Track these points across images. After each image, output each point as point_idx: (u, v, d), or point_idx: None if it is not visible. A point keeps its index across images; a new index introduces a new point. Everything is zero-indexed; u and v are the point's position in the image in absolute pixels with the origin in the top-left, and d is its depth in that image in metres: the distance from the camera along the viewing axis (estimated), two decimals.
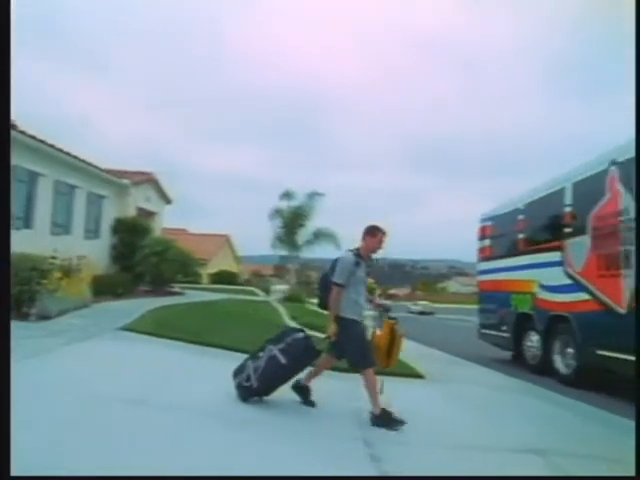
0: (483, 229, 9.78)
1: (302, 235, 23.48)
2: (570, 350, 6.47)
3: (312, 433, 3.28)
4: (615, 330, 5.53)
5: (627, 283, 5.33)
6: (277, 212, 23.57)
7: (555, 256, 6.87)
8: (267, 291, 23.74)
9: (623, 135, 5.60)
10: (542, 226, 7.64)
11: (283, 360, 3.51)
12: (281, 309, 13.66)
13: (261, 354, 3.64)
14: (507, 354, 8.70)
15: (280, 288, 21.55)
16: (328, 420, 3.60)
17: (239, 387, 3.64)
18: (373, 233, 3.74)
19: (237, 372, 3.71)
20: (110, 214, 13.91)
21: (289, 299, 18.58)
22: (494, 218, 9.37)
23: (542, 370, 7.06)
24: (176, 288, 15.09)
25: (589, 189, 6.26)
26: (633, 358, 5.17)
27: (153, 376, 4.32)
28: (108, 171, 13.51)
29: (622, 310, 5.39)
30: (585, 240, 6.19)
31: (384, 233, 3.77)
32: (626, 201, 5.47)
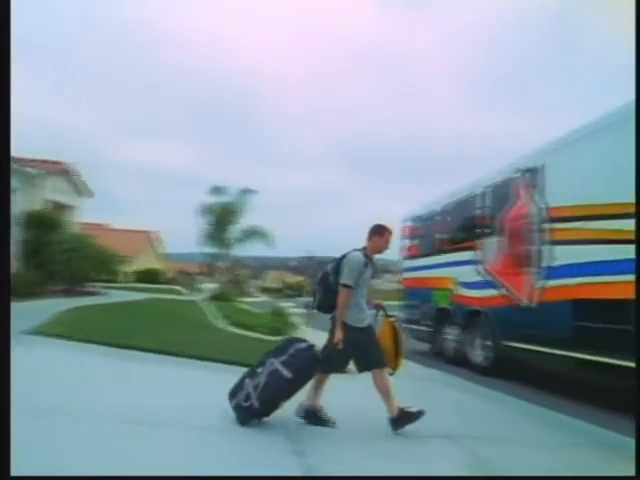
0: (405, 229, 10.26)
1: (232, 232, 22.98)
2: (484, 342, 7.01)
3: (233, 430, 3.23)
4: (522, 323, 6.09)
5: (532, 279, 5.88)
6: (206, 208, 22.81)
7: (471, 255, 7.39)
8: (194, 290, 22.96)
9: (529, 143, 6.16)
10: (459, 227, 8.18)
11: (288, 374, 3.17)
12: (209, 308, 13.29)
13: (260, 369, 3.27)
14: (428, 347, 9.20)
15: (208, 287, 20.96)
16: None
17: (238, 409, 3.23)
18: (381, 232, 3.58)
19: (233, 393, 3.31)
20: (15, 207, 12.58)
21: (218, 298, 18.12)
22: (415, 219, 9.87)
23: (459, 361, 7.57)
24: (94, 287, 14.07)
25: (500, 194, 6.81)
26: (537, 348, 5.73)
27: (65, 383, 3.97)
28: (13, 159, 12.21)
29: (528, 304, 5.95)
30: (497, 240, 6.73)
31: (391, 232, 3.62)
32: (531, 205, 6.03)
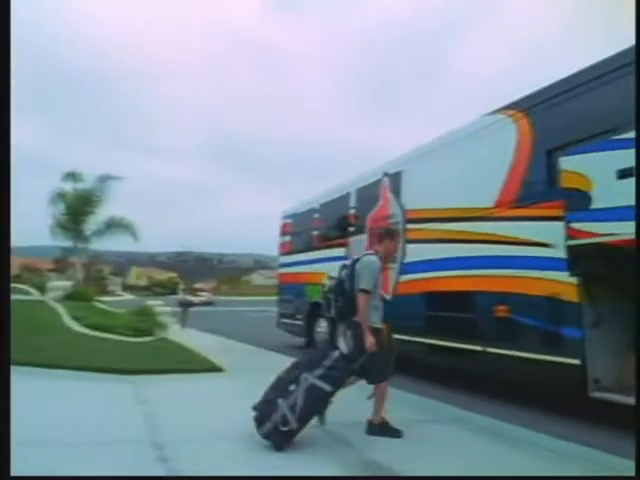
0: (284, 225, 10.45)
1: (91, 224, 20.53)
2: (350, 332, 7.50)
3: (99, 437, 2.94)
4: (384, 313, 6.67)
5: (392, 275, 6.48)
6: (59, 196, 20.00)
7: (341, 251, 7.85)
8: (43, 289, 20.06)
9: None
10: (332, 225, 8.61)
11: (328, 387, 3.07)
12: (61, 309, 11.75)
13: (292, 387, 3.03)
14: (302, 341, 9.50)
15: (61, 285, 18.51)
16: (115, 423, 3.28)
17: (274, 434, 2.95)
18: (393, 236, 3.63)
19: (262, 418, 3.00)
20: None
21: (73, 297, 16.10)
22: (294, 216, 10.11)
23: None
24: None
25: (368, 195, 7.36)
26: (396, 336, 6.32)
27: None
28: None
29: (388, 297, 6.53)
30: (364, 238, 7.26)
31: (400, 236, 3.66)
32: (394, 206, 6.64)
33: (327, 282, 8.24)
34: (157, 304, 11.68)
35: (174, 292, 63.40)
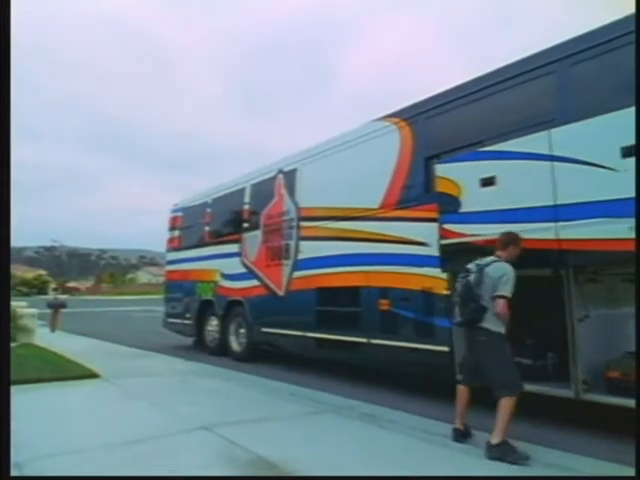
0: (173, 219, 9.90)
1: None
2: (242, 330, 7.41)
3: None
4: (275, 311, 6.70)
5: (285, 271, 6.55)
6: None
7: (234, 248, 7.69)
8: None
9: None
10: (226, 220, 8.39)
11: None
12: None
13: None
14: (191, 341, 9.11)
15: None
16: None
17: None
18: (517, 242, 3.46)
19: None
20: None
21: None
22: (184, 209, 9.63)
23: (220, 351, 7.78)
24: None
25: (263, 191, 7.31)
26: (287, 332, 6.40)
27: None
28: None
29: (281, 293, 6.59)
30: (258, 234, 7.21)
31: (523, 242, 3.48)
32: (288, 204, 6.69)
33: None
34: (20, 305, 10.23)
35: (43, 292, 56.18)
